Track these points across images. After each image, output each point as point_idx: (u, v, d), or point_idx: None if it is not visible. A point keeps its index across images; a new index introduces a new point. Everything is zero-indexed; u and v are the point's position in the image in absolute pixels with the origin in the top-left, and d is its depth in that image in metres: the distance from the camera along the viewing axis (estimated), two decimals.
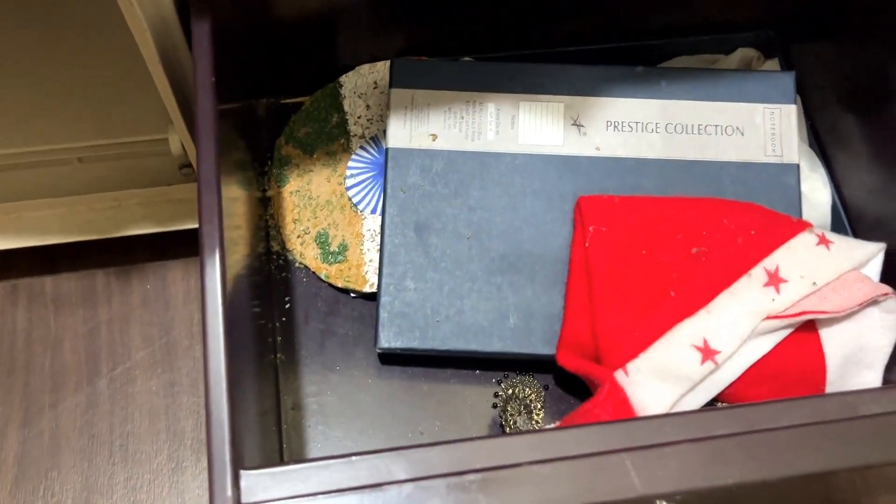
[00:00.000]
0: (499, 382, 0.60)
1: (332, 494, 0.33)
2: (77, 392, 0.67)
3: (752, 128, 0.59)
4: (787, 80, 0.60)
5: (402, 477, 0.33)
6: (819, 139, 0.67)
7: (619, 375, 0.52)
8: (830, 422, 0.35)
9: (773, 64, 0.69)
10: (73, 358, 0.68)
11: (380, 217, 0.62)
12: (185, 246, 0.72)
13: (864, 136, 0.62)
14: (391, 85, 0.60)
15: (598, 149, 0.59)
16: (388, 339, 0.57)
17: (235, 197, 0.56)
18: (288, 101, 0.69)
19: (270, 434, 0.56)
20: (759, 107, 0.60)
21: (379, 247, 0.61)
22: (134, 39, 0.64)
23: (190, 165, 0.65)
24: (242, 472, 0.35)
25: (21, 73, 0.66)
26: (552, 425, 0.53)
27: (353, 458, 0.35)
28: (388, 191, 0.59)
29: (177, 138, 0.63)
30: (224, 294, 0.40)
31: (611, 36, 0.69)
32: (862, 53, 0.62)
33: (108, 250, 0.71)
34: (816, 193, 0.64)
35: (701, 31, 0.69)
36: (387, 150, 0.60)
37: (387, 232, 0.58)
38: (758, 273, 0.53)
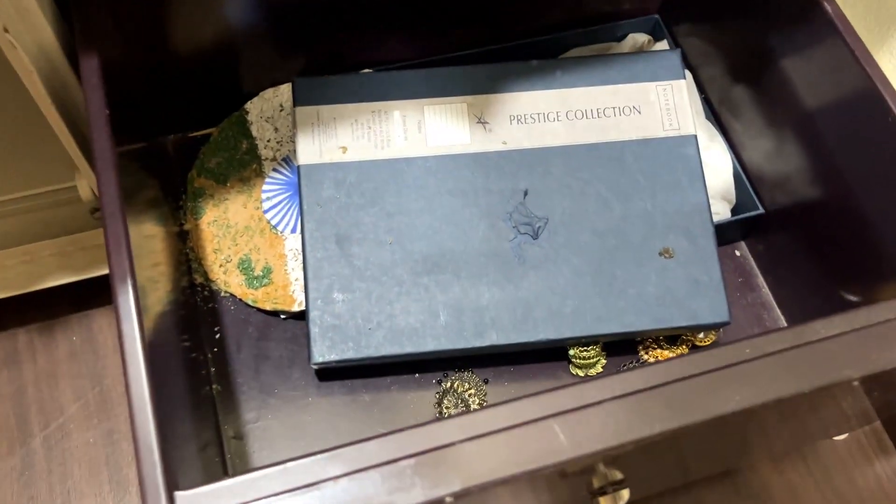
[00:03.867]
0: (439, 382, 0.60)
1: (269, 499, 0.33)
2: (10, 455, 0.64)
3: (647, 105, 0.62)
4: (674, 58, 0.63)
5: (337, 473, 0.33)
6: (714, 111, 0.70)
7: None
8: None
9: (662, 46, 0.72)
10: (1, 421, 0.66)
11: (300, 235, 0.62)
12: (108, 293, 0.70)
13: (753, 104, 0.65)
14: (295, 104, 0.61)
15: (504, 143, 0.61)
16: (322, 353, 0.57)
17: (151, 234, 0.55)
18: (196, 133, 0.69)
19: (214, 466, 0.55)
20: (652, 85, 0.62)
21: (303, 264, 0.61)
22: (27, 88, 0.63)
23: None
24: (178, 494, 0.34)
25: None
26: None
27: (288, 464, 0.35)
28: (305, 207, 0.59)
29: (85, 183, 0.62)
30: (140, 323, 0.40)
31: (507, 36, 0.71)
32: (740, 27, 0.66)
33: (28, 306, 0.69)
34: (718, 161, 0.66)
35: (591, 22, 0.72)
36: (298, 167, 0.60)
37: (308, 247, 0.58)
38: None
